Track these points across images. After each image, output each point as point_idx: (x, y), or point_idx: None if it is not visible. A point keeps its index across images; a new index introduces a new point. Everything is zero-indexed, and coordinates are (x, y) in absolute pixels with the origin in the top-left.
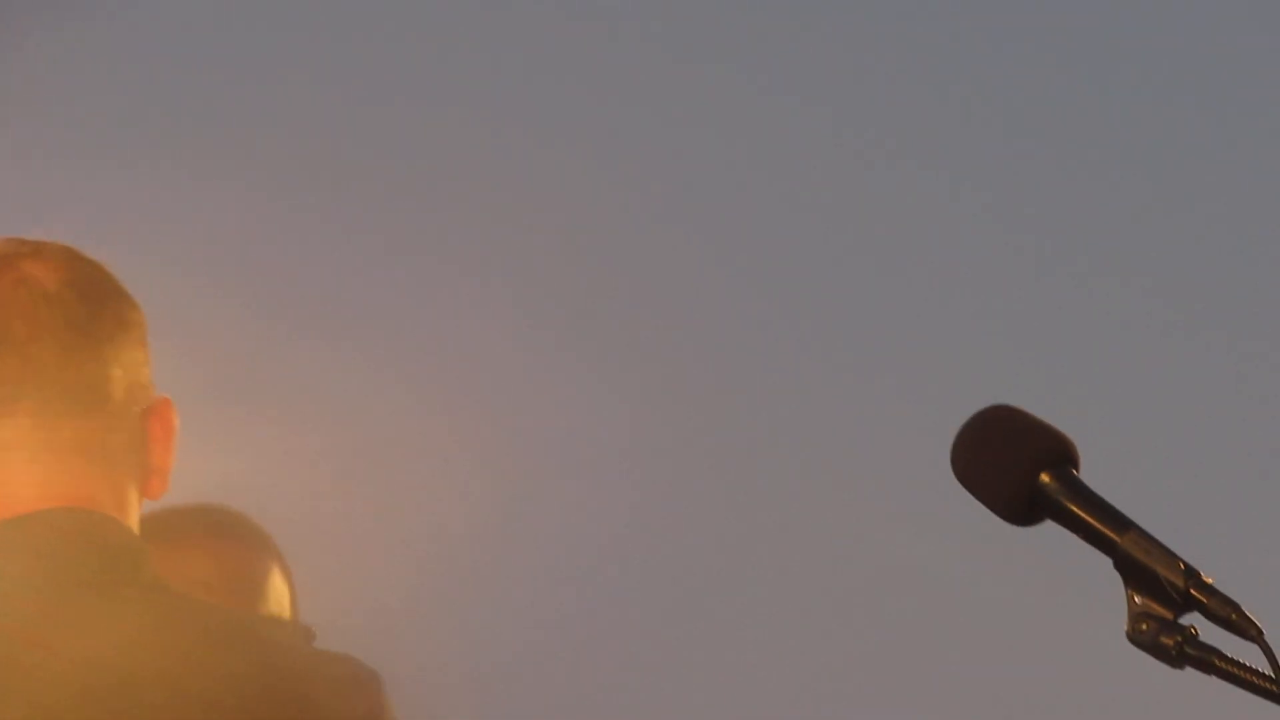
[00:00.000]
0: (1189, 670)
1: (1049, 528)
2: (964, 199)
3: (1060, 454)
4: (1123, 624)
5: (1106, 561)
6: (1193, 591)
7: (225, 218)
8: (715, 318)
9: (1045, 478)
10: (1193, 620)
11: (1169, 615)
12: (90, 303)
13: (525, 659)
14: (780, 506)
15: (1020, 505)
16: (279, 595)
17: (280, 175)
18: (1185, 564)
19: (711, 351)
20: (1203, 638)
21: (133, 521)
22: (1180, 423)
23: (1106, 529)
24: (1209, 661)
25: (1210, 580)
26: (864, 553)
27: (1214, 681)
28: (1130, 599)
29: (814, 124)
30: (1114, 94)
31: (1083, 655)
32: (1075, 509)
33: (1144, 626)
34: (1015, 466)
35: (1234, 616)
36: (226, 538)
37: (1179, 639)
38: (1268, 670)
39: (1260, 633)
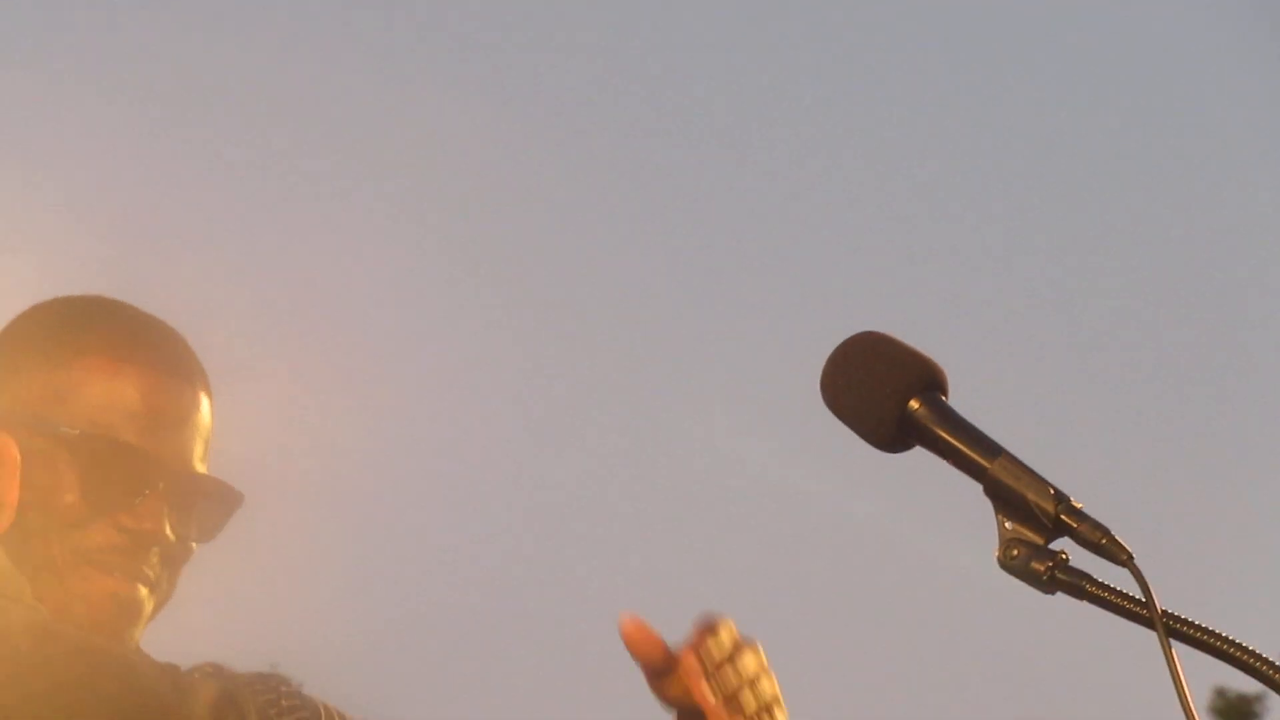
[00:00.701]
0: (1060, 595)
1: (920, 454)
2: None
3: (929, 380)
4: (993, 550)
5: (976, 487)
6: (1063, 517)
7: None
8: None
9: (914, 404)
10: (1063, 545)
11: (1040, 541)
12: None
13: None
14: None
15: (889, 431)
16: (205, 431)
17: None
18: (1055, 489)
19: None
20: (1073, 563)
21: None
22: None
23: (976, 455)
24: (1080, 587)
25: (1080, 505)
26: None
27: (1084, 606)
28: (1001, 525)
29: None
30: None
31: (953, 582)
32: (944, 435)
33: (1015, 553)
34: (883, 393)
35: (1104, 541)
36: (156, 364)
37: (1050, 564)
38: (1138, 594)
39: (1130, 557)
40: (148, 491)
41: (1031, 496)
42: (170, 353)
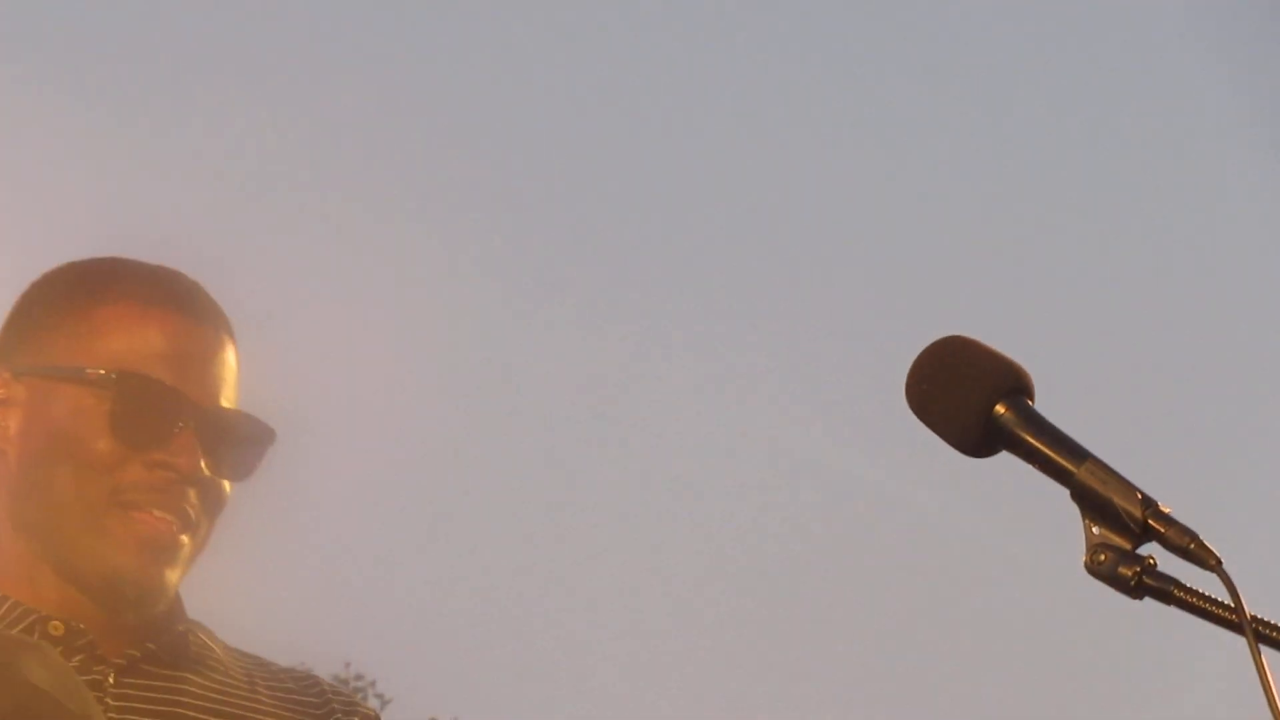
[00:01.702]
0: (1148, 600)
1: (1006, 458)
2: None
3: (1015, 385)
4: (1080, 555)
5: (1064, 492)
6: (1150, 521)
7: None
8: None
9: (1000, 409)
10: (1151, 550)
11: (1127, 546)
12: None
13: None
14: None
15: (975, 437)
16: (232, 373)
17: None
18: (1143, 494)
19: None
20: (1161, 568)
21: None
22: (1140, 354)
23: (1063, 459)
24: (1168, 592)
25: (1168, 510)
26: (827, 480)
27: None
28: (1087, 530)
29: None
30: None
31: (1041, 585)
32: (1031, 440)
33: (1102, 557)
34: (969, 398)
35: (1192, 546)
36: (181, 308)
37: (1137, 569)
38: (1226, 599)
39: (1219, 562)
40: (180, 426)
41: (1118, 501)
42: (194, 298)
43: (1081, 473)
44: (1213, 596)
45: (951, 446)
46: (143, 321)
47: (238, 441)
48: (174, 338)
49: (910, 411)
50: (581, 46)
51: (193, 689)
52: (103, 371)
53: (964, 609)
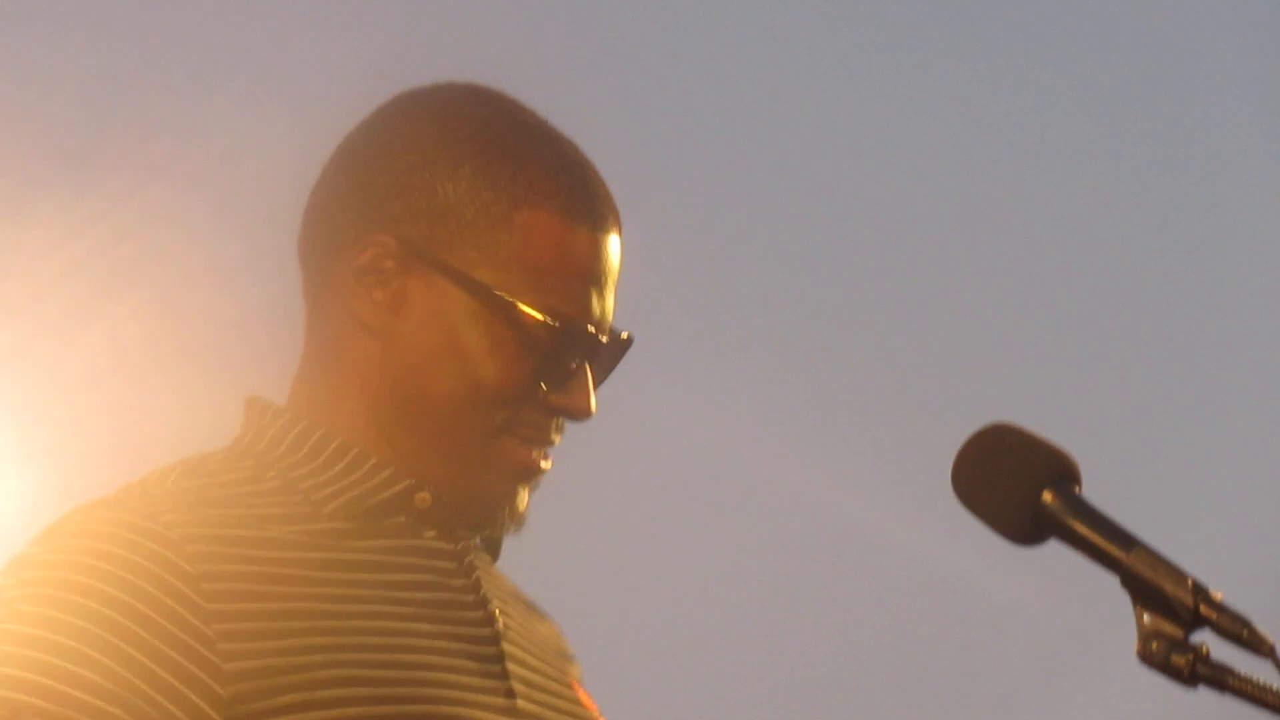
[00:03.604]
0: (1202, 689)
1: (1054, 546)
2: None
3: (1062, 471)
4: (1133, 643)
5: (1114, 579)
6: (1202, 609)
7: None
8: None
9: (1047, 496)
10: (1204, 638)
11: (1179, 634)
12: None
13: None
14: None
15: (1023, 525)
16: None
17: None
18: (1194, 581)
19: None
20: (1215, 656)
21: None
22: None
23: (1112, 547)
24: (1222, 680)
25: (1220, 596)
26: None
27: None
28: (1139, 618)
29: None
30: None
31: (1093, 674)
32: (1079, 527)
33: (1155, 646)
34: (1016, 486)
35: (1246, 633)
36: (603, 220)
37: (1191, 658)
38: None
39: (1273, 649)
40: (587, 370)
41: (1169, 589)
42: (606, 197)
43: (1131, 560)
44: (1269, 686)
45: (999, 535)
46: (567, 239)
47: (612, 369)
48: (596, 261)
49: (956, 500)
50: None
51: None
52: (538, 315)
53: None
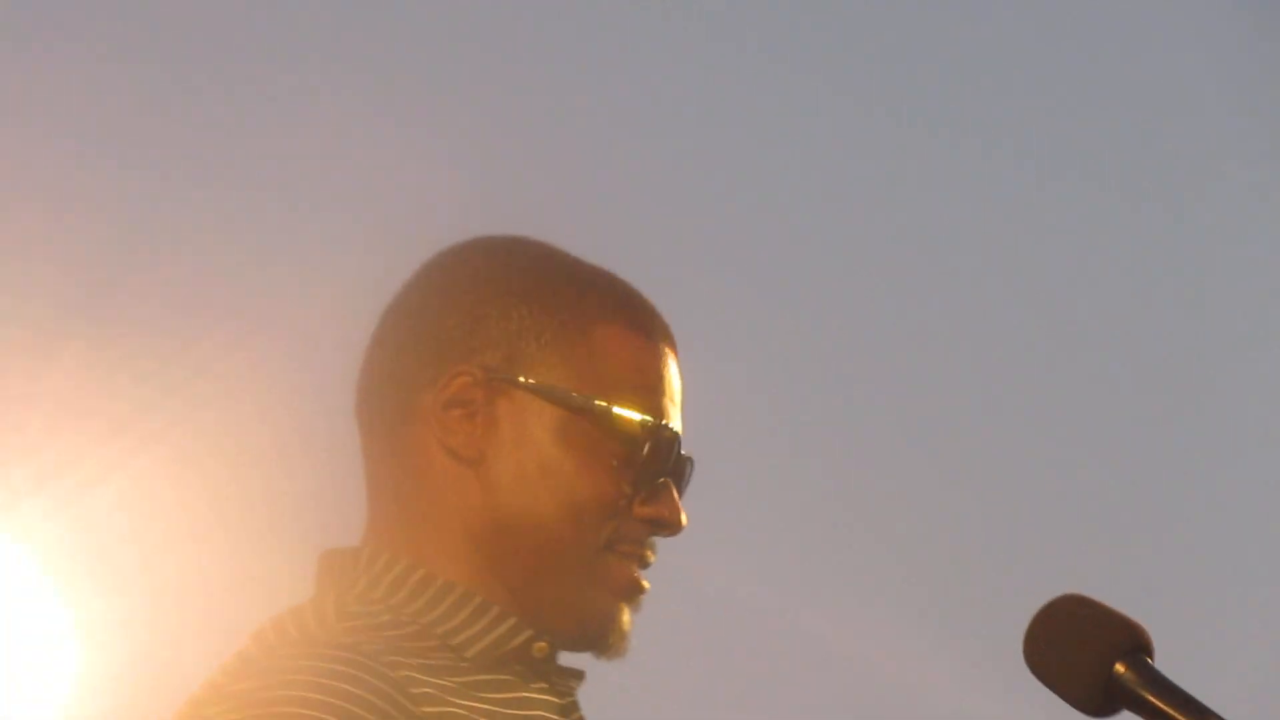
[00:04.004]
0: None
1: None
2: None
3: (1134, 643)
4: None
5: None
6: None
7: None
8: None
9: (1120, 668)
10: None
11: None
12: None
13: None
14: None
15: (1095, 697)
16: None
17: None
18: None
19: None
20: None
21: None
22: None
23: (1185, 719)
24: None
25: None
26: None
27: None
28: None
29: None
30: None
31: None
32: (1152, 699)
33: None
34: (1089, 657)
35: None
36: (665, 336)
37: None
38: None
39: None
40: (669, 479)
41: None
42: (663, 320)
43: None
44: None
45: (1071, 706)
46: (643, 351)
47: (684, 488)
48: (666, 372)
49: (1029, 671)
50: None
51: None
52: (631, 418)
53: None
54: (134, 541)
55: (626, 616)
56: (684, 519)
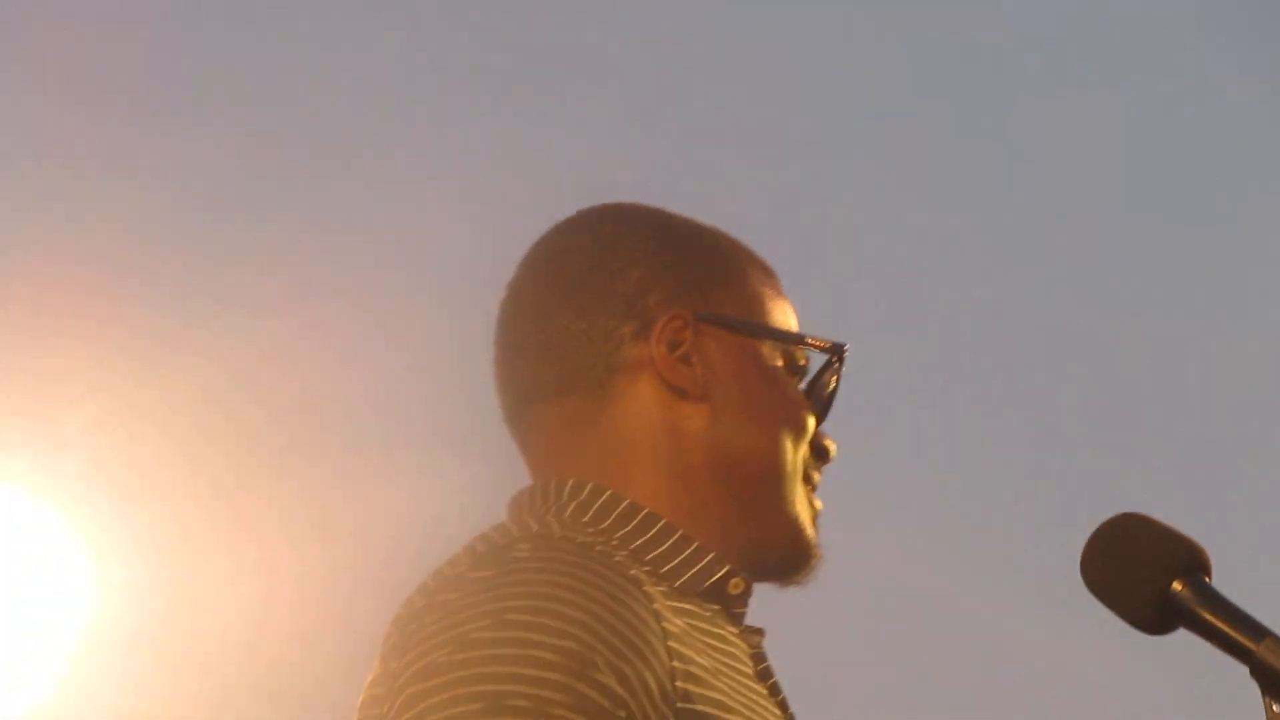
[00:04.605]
0: None
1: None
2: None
3: (1192, 562)
4: None
5: (1243, 669)
6: None
7: None
8: None
9: (1177, 586)
10: None
11: None
12: None
13: None
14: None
15: (1152, 615)
16: None
17: None
18: None
19: None
20: None
21: None
22: None
23: (1242, 637)
24: None
25: None
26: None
27: None
28: (1268, 708)
29: None
30: None
31: None
32: (1209, 617)
33: None
34: (1146, 576)
35: None
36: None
37: None
38: None
39: None
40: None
41: None
42: None
43: (1261, 651)
44: None
45: (1128, 624)
46: (774, 285)
47: None
48: (788, 304)
49: (1086, 589)
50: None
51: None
52: (816, 344)
53: None
54: (140, 461)
55: (818, 544)
56: (835, 448)
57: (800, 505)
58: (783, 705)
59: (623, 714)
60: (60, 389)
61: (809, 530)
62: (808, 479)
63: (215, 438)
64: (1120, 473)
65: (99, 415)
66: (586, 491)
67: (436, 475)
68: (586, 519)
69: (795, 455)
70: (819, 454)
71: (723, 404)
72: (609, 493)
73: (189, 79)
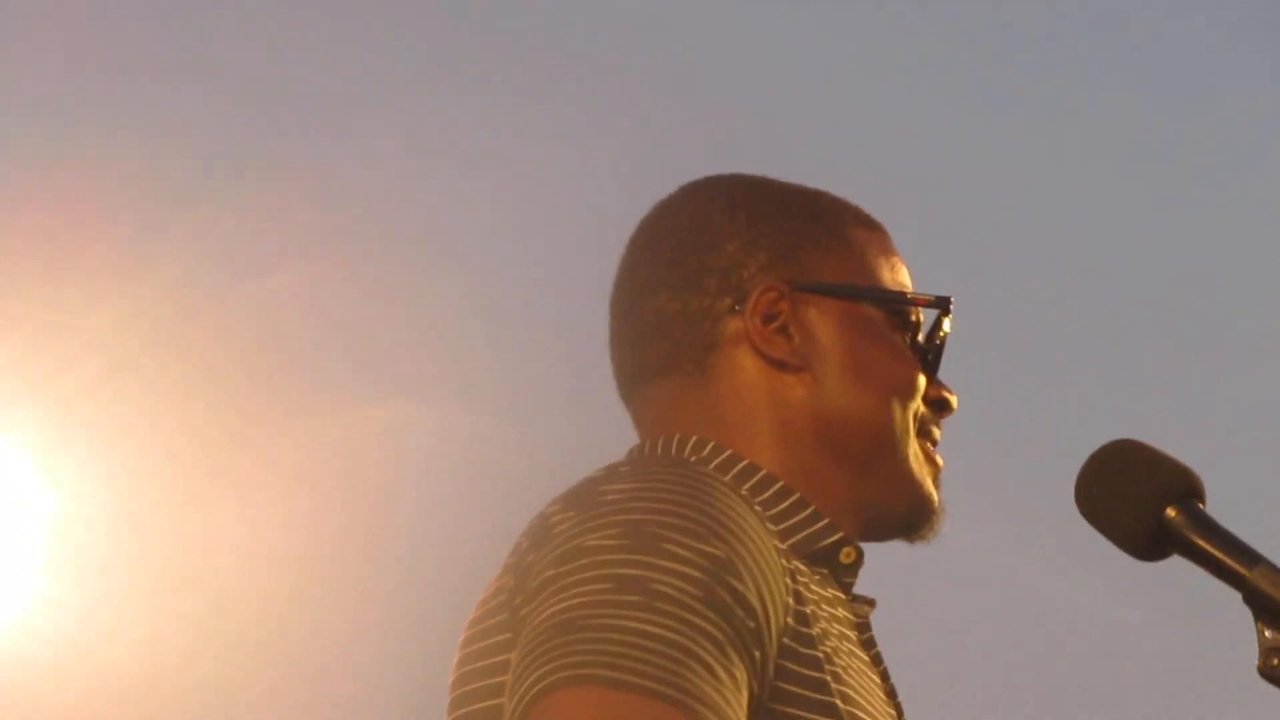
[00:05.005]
0: None
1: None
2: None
3: (1185, 488)
4: (1253, 658)
5: (1235, 595)
6: None
7: None
8: None
9: (1171, 512)
10: None
11: None
12: None
13: None
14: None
15: (1145, 541)
16: None
17: None
18: None
19: None
20: None
21: None
22: None
23: (1234, 563)
24: None
25: None
26: (992, 581)
27: None
28: (1260, 633)
29: None
30: None
31: (1212, 689)
32: (1202, 543)
33: (1275, 661)
34: (1139, 502)
35: None
36: (884, 228)
37: None
38: None
39: None
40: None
41: None
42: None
43: (1254, 576)
44: None
45: (1122, 550)
46: (883, 243)
47: None
48: (898, 258)
49: (1080, 515)
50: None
51: None
52: (918, 300)
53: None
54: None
55: (938, 501)
56: (952, 401)
57: (914, 463)
58: (884, 676)
59: (752, 624)
60: (34, 331)
61: (924, 487)
62: (927, 434)
63: (196, 385)
64: (1115, 401)
65: (75, 358)
66: (709, 448)
67: (414, 426)
68: (709, 470)
69: (905, 414)
70: (937, 407)
71: (823, 371)
72: (729, 452)
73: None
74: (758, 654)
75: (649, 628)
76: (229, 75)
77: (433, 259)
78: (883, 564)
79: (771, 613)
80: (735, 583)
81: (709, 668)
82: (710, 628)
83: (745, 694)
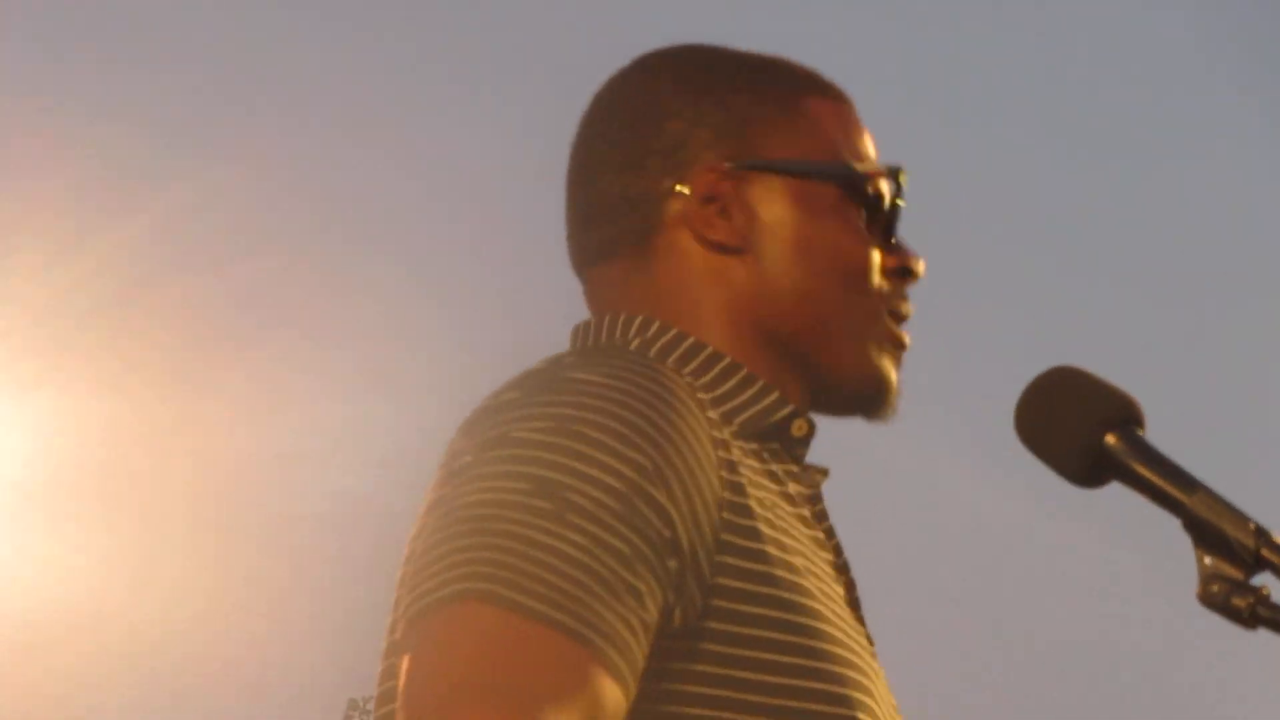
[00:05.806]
0: (1261, 631)
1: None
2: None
3: (1125, 414)
4: (1193, 585)
5: (1175, 521)
6: (1264, 552)
7: None
8: None
9: (1110, 439)
10: (1265, 581)
11: (1240, 576)
12: None
13: None
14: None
15: (1085, 468)
16: None
17: None
18: (1256, 524)
19: None
20: (1275, 598)
21: None
22: (1249, 378)
23: (1174, 490)
24: None
25: None
26: (934, 508)
27: None
28: (1200, 560)
29: None
30: None
31: (1152, 616)
32: (1141, 470)
33: (1215, 588)
34: (1079, 428)
35: None
36: (847, 100)
37: (1251, 600)
38: None
39: None
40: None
41: (1231, 532)
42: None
43: (1193, 503)
44: None
45: (1061, 476)
46: (842, 113)
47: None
48: (863, 130)
49: (1019, 442)
50: None
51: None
52: (866, 172)
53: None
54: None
55: (896, 375)
56: (919, 267)
57: (868, 341)
58: (836, 549)
59: (668, 534)
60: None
61: (875, 368)
62: (895, 312)
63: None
64: (1056, 327)
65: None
66: (654, 328)
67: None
68: (652, 354)
69: (858, 292)
70: (900, 275)
71: (766, 252)
72: (674, 331)
73: None
74: (673, 564)
75: (558, 544)
76: (192, 61)
77: (389, 252)
78: (833, 479)
79: (701, 516)
80: (656, 492)
81: (615, 593)
82: (620, 544)
83: (655, 609)
